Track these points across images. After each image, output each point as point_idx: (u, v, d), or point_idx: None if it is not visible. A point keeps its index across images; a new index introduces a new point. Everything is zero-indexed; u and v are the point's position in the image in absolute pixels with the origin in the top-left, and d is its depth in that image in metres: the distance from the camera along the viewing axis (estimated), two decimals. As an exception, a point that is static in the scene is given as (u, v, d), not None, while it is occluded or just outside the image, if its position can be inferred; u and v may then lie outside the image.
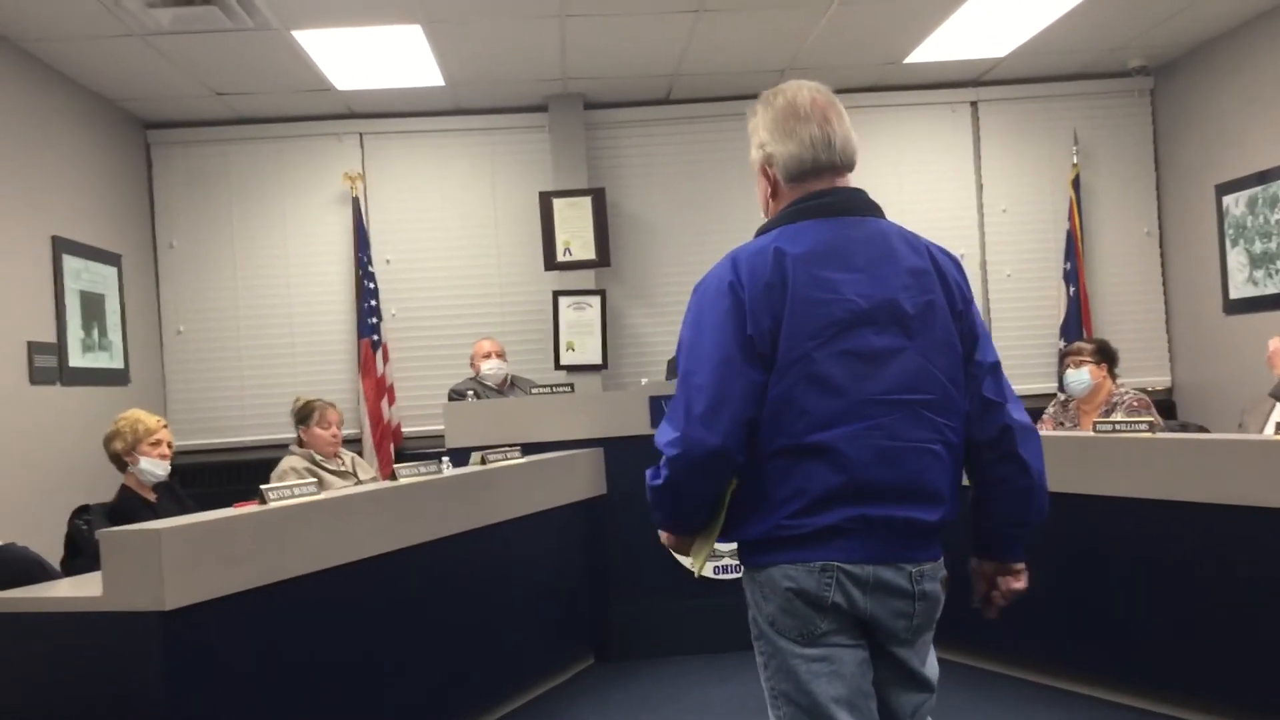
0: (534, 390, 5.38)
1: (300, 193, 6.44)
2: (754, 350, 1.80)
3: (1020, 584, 2.03)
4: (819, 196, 1.92)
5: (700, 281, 1.92)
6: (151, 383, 6.17)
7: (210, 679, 2.64)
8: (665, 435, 1.83)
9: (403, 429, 6.37)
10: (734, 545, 1.93)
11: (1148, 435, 3.73)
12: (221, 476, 6.09)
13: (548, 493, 4.37)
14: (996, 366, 1.94)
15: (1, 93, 4.87)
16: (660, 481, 1.85)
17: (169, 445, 4.07)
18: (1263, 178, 5.68)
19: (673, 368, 5.03)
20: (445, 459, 4.03)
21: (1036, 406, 5.39)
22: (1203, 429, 4.66)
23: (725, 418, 1.78)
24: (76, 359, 5.29)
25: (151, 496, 4.02)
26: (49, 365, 5.04)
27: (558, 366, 6.27)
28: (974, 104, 6.65)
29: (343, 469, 4.80)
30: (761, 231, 1.94)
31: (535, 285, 6.45)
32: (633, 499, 4.74)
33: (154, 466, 3.98)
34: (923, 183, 6.59)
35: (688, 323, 1.88)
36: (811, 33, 5.51)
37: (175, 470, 4.23)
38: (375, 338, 6.24)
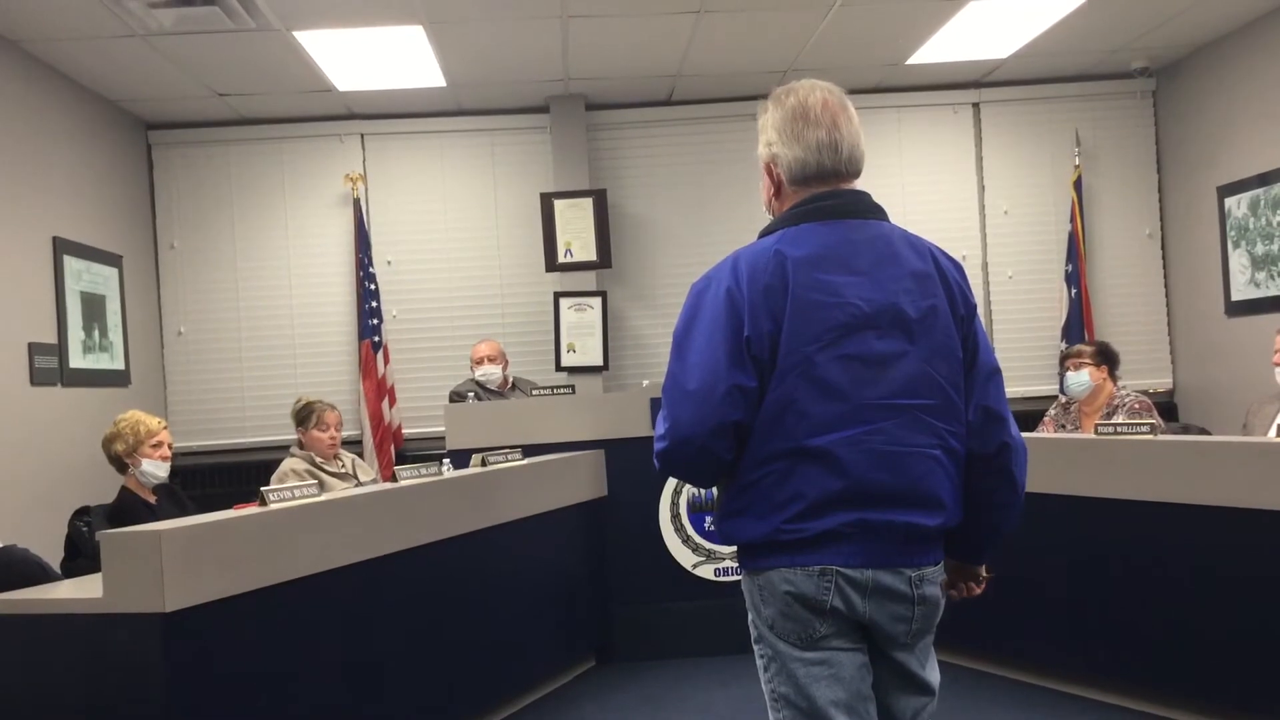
0: (535, 392, 5.37)
1: (301, 194, 6.44)
2: (746, 354, 1.80)
3: (980, 589, 2.06)
4: (822, 199, 1.91)
5: (698, 281, 1.92)
6: (152, 384, 6.17)
7: (211, 681, 2.64)
8: (656, 429, 1.87)
9: (403, 430, 6.37)
10: (734, 548, 1.93)
11: (1149, 437, 3.72)
12: (222, 478, 6.10)
13: (549, 494, 4.36)
14: (997, 375, 1.94)
15: (3, 93, 4.87)
16: (657, 465, 1.89)
17: (169, 447, 4.07)
18: (1264, 179, 5.67)
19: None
20: (446, 461, 4.03)
21: (1038, 408, 5.39)
22: (1204, 431, 4.65)
23: (710, 419, 1.79)
24: (77, 360, 5.29)
25: (152, 498, 4.01)
26: (49, 366, 5.04)
27: (559, 368, 6.27)
28: (976, 105, 6.65)
29: (343, 471, 4.80)
30: (764, 233, 1.93)
31: (536, 286, 6.45)
32: (634, 500, 4.77)
33: (155, 468, 3.98)
34: (925, 184, 6.59)
35: (681, 322, 1.89)
36: (814, 34, 5.51)
37: (175, 472, 4.23)
38: (376, 339, 6.24)
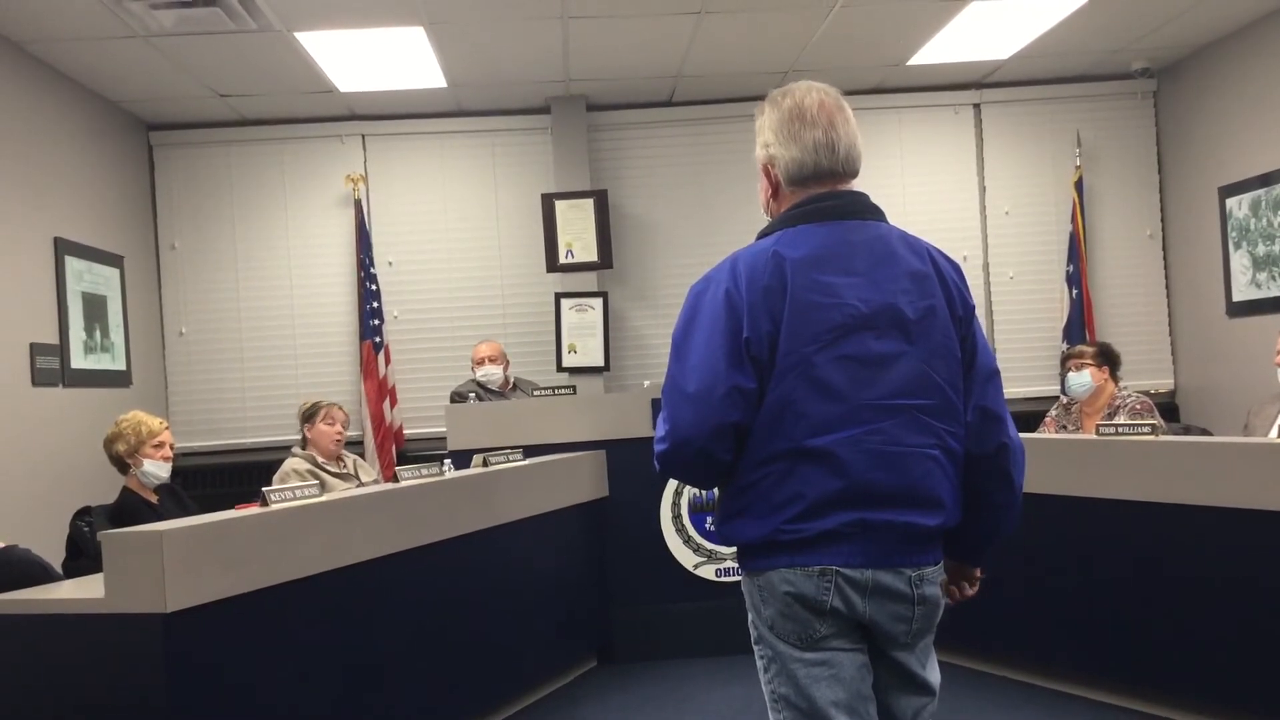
0: (536, 392, 5.37)
1: (302, 194, 6.45)
2: (745, 355, 1.80)
3: (973, 591, 2.06)
4: (820, 200, 1.91)
5: (697, 283, 1.92)
6: (153, 384, 6.17)
7: (212, 681, 2.64)
8: (657, 430, 1.88)
9: (404, 431, 6.37)
10: (734, 548, 1.93)
11: (1150, 438, 3.72)
12: (223, 478, 6.10)
13: (550, 495, 4.36)
14: (995, 375, 1.94)
15: (4, 94, 4.88)
16: (657, 467, 1.90)
17: (171, 447, 4.07)
18: (1266, 180, 5.67)
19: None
20: (447, 461, 4.03)
21: (1038, 409, 5.39)
22: (1205, 432, 4.64)
23: (709, 421, 1.79)
24: (78, 360, 5.29)
25: (153, 498, 4.02)
26: (51, 367, 5.04)
27: (560, 368, 6.27)
28: (977, 106, 6.65)
29: (344, 471, 4.80)
30: (762, 234, 1.93)
31: (537, 287, 6.46)
32: (635, 501, 4.77)
33: (156, 468, 3.98)
34: (926, 185, 6.59)
35: (680, 324, 1.89)
36: (814, 35, 5.51)
37: (177, 472, 4.23)
38: (377, 339, 6.24)
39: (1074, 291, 6.38)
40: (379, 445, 6.16)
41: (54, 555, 3.69)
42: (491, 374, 5.70)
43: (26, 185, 4.98)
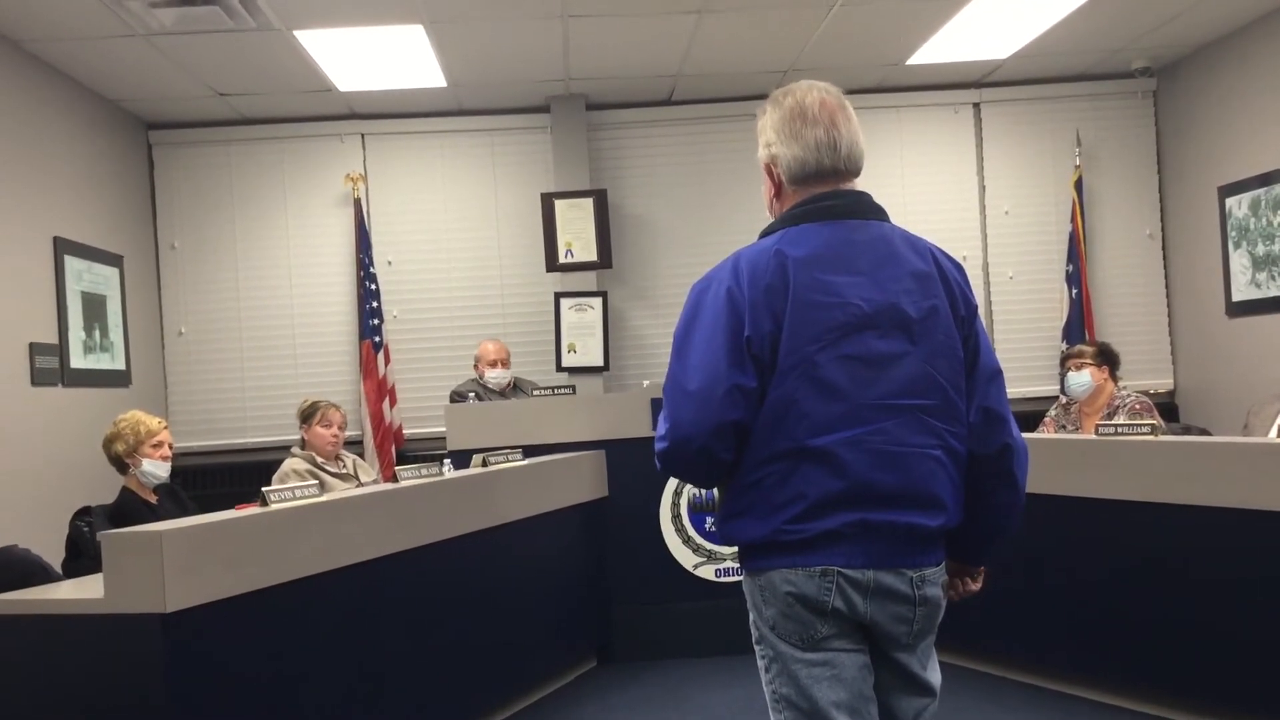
0: (536, 392, 5.37)
1: (302, 194, 6.44)
2: (746, 354, 1.80)
3: (977, 586, 2.07)
4: (823, 199, 1.91)
5: (699, 281, 1.92)
6: (153, 384, 6.17)
7: (211, 681, 2.64)
8: (658, 429, 1.88)
9: (404, 431, 6.37)
10: (735, 548, 1.93)
11: (1150, 438, 3.72)
12: (223, 478, 6.10)
13: (549, 495, 4.36)
14: (998, 375, 1.94)
15: (3, 93, 4.87)
16: (658, 465, 1.90)
17: (170, 447, 4.07)
18: (1265, 180, 5.67)
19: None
20: (447, 461, 4.03)
21: (1038, 409, 5.39)
22: (1205, 432, 4.65)
23: (710, 420, 1.79)
24: (78, 360, 5.29)
25: (153, 498, 4.01)
26: (50, 366, 5.04)
27: (559, 368, 6.27)
28: (976, 105, 6.65)
29: (344, 471, 4.80)
30: (765, 233, 1.93)
31: (537, 287, 6.45)
32: (635, 501, 4.77)
33: (156, 468, 3.97)
34: (925, 184, 6.59)
35: (682, 322, 1.89)
36: (814, 34, 5.51)
37: (176, 472, 4.23)
38: (377, 339, 6.24)
39: (1074, 291, 6.38)
40: (378, 445, 6.16)
41: (53, 555, 3.69)
42: (501, 376, 5.70)
43: (26, 184, 4.98)
